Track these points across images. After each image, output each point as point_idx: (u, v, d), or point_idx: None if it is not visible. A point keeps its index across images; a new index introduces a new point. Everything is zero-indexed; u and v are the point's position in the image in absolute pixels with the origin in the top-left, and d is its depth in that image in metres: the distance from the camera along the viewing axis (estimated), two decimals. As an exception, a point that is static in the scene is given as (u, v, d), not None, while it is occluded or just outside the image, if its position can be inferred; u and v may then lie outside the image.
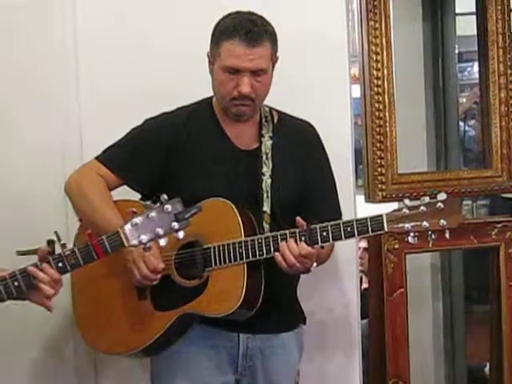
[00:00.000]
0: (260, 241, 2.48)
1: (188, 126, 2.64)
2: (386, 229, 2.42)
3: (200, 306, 2.52)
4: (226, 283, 2.50)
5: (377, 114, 3.16)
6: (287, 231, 2.47)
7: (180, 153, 2.61)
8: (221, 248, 2.50)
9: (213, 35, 2.56)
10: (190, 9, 3.05)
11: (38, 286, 2.21)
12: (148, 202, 2.49)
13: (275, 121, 2.68)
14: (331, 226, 2.45)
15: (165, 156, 2.61)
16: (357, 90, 3.22)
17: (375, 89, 3.15)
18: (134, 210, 2.24)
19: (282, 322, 2.67)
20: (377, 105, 3.16)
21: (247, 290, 2.47)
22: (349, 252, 3.09)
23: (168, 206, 2.20)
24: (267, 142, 2.62)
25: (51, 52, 3.08)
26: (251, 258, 2.48)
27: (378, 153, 3.17)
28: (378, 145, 3.17)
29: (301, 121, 2.73)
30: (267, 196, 2.57)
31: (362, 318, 3.28)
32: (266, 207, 2.57)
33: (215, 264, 2.51)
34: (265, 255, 2.48)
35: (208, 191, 2.52)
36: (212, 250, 2.51)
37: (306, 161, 2.66)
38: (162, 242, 2.21)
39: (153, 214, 2.20)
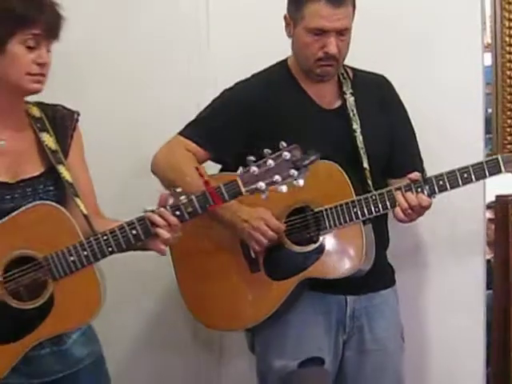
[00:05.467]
0: (374, 197, 2.48)
1: (270, 89, 2.61)
2: (503, 170, 2.39)
3: (321, 269, 2.52)
4: (344, 244, 2.50)
5: (508, 81, 3.13)
6: (401, 185, 2.46)
7: (268, 116, 2.57)
8: (333, 210, 2.50)
9: None
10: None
11: (156, 230, 2.15)
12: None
13: (351, 77, 2.66)
14: (447, 174, 2.42)
15: (251, 121, 2.56)
16: (487, 58, 3.16)
17: (507, 56, 3.12)
18: (252, 158, 2.14)
19: (381, 280, 2.68)
20: (508, 72, 3.12)
21: (366, 248, 2.49)
22: (476, 223, 3.06)
23: (286, 154, 2.10)
24: (350, 99, 2.61)
25: (182, 22, 3.10)
26: (367, 216, 2.48)
27: (509, 121, 3.15)
28: (509, 113, 3.14)
29: (375, 74, 2.71)
30: (364, 152, 2.56)
31: (486, 289, 3.24)
32: (366, 164, 2.56)
33: (330, 226, 2.50)
34: (381, 211, 2.48)
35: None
36: (324, 212, 2.51)
37: (389, 113, 2.65)
38: (283, 188, 2.11)
39: (270, 161, 2.11)
